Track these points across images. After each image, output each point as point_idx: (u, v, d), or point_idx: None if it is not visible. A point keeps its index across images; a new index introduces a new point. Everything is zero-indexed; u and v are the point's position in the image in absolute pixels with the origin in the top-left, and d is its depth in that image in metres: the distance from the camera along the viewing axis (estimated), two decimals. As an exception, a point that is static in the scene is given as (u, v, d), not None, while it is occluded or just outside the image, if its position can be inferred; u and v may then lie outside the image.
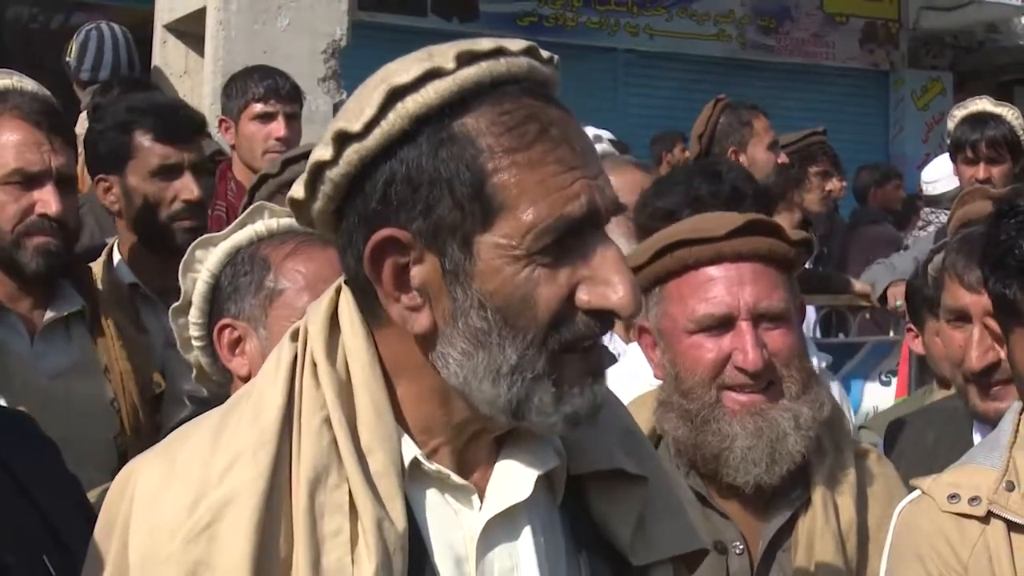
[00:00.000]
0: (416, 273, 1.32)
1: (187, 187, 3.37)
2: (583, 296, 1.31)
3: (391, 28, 9.53)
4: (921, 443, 2.91)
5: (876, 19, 11.95)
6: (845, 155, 9.73)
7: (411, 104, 1.29)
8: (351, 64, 5.88)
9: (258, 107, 4.42)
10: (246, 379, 2.11)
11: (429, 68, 1.30)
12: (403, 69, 1.31)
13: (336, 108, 5.45)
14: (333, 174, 1.33)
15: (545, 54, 1.38)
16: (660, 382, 2.34)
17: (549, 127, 1.31)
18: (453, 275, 1.30)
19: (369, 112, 1.30)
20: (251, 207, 2.23)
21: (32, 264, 2.86)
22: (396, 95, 1.30)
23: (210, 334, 2.17)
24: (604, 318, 1.33)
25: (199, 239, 2.23)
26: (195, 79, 5.92)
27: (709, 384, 2.20)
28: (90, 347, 2.96)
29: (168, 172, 3.37)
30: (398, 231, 1.31)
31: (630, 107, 10.55)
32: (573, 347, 1.32)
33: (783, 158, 5.23)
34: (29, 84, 3.09)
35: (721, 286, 2.21)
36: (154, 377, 3.06)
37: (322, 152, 1.33)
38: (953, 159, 5.05)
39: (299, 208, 1.39)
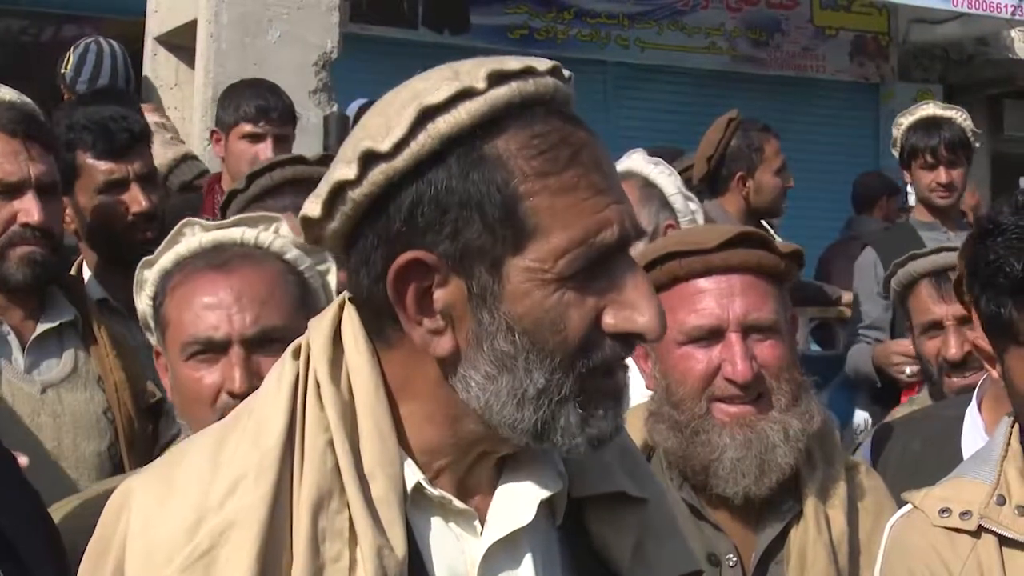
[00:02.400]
0: (440, 296, 1.29)
1: (135, 200, 3.37)
2: (609, 320, 1.30)
3: (382, 40, 9.52)
4: (908, 450, 2.92)
5: (866, 32, 11.96)
6: (835, 167, 9.76)
7: (443, 125, 1.26)
8: (342, 76, 5.88)
9: (247, 127, 4.41)
10: (179, 407, 2.13)
11: (460, 88, 1.27)
12: (433, 88, 1.28)
13: (327, 120, 5.45)
14: (356, 194, 1.29)
15: (566, 73, 1.36)
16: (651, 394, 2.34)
17: (580, 151, 1.30)
18: (480, 298, 1.28)
19: (399, 132, 1.26)
20: (179, 224, 2.19)
21: (18, 275, 2.83)
22: (427, 115, 1.27)
23: None
24: (629, 341, 1.32)
25: (143, 259, 2.21)
26: (186, 91, 5.93)
27: (699, 395, 2.21)
28: (83, 357, 2.94)
29: (114, 187, 3.37)
30: (424, 254, 1.27)
31: (621, 120, 10.54)
32: (599, 370, 1.31)
33: (790, 182, 5.19)
34: (7, 93, 3.05)
35: (711, 298, 2.22)
36: (148, 387, 3.04)
37: (345, 171, 1.29)
38: (907, 166, 5.04)
39: (311, 226, 1.35)
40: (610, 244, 1.29)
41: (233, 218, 2.21)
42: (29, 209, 2.83)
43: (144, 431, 2.96)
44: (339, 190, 1.30)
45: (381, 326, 1.34)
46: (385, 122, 1.29)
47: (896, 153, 5.10)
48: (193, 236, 2.16)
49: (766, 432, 2.18)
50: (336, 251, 1.37)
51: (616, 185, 1.33)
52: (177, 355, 2.08)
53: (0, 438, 2.46)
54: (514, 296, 1.27)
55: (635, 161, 3.41)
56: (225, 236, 2.15)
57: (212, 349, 2.04)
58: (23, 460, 2.44)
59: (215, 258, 2.12)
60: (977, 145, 5.07)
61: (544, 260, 1.27)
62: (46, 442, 2.73)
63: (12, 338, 2.87)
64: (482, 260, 1.27)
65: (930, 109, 5.03)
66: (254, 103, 4.43)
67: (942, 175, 4.90)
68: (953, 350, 3.10)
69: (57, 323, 2.92)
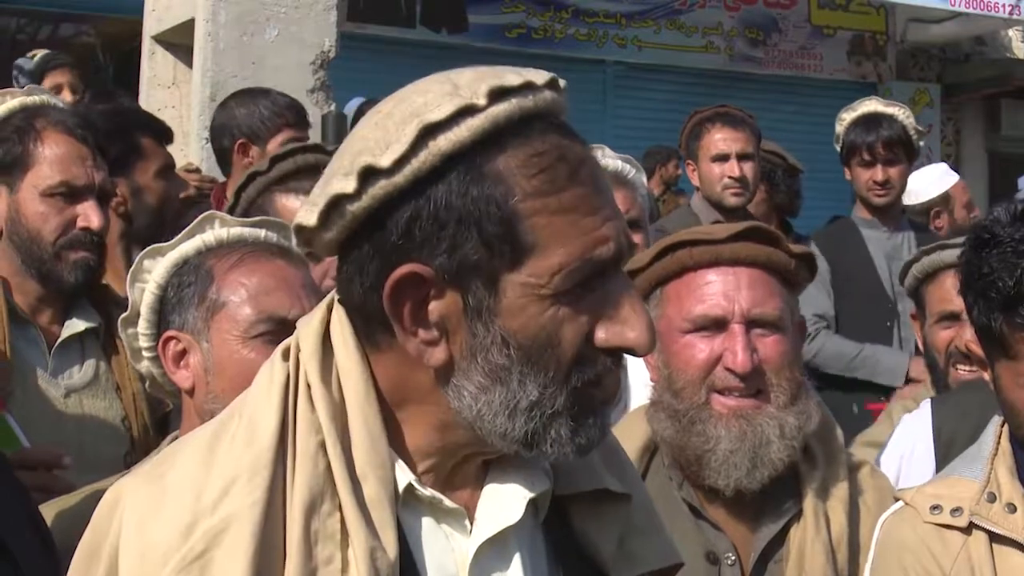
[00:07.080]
0: (435, 308, 1.29)
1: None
2: (601, 334, 1.31)
3: (380, 40, 9.54)
4: (984, 421, 2.92)
5: (863, 31, 12.00)
6: (833, 167, 9.78)
7: (444, 143, 1.26)
8: (340, 75, 5.89)
9: (289, 134, 4.21)
10: (190, 392, 2.10)
11: (462, 105, 1.27)
12: (434, 104, 1.28)
13: (325, 119, 5.45)
14: (355, 207, 1.28)
15: (562, 83, 1.37)
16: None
17: (579, 168, 1.30)
18: (476, 312, 1.28)
19: (399, 148, 1.26)
20: (201, 216, 2.19)
21: (71, 278, 2.87)
22: (429, 132, 1.26)
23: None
24: (618, 354, 1.33)
25: (147, 248, 2.20)
26: (183, 90, 5.93)
27: (699, 384, 2.22)
28: (104, 365, 2.95)
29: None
30: (421, 267, 1.27)
31: (618, 119, 10.56)
32: (591, 382, 1.32)
33: (735, 170, 4.96)
34: (60, 101, 3.08)
35: (718, 288, 2.25)
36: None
37: (344, 184, 1.28)
38: (846, 163, 5.02)
39: (304, 233, 1.35)
40: (606, 260, 1.30)
41: (251, 220, 2.21)
42: (90, 215, 2.87)
43: (158, 441, 2.97)
44: (337, 203, 1.30)
45: (371, 331, 1.35)
46: (384, 136, 1.28)
47: (837, 149, 5.08)
48: (221, 228, 2.16)
49: (761, 427, 2.19)
50: (326, 255, 1.37)
51: (611, 200, 1.33)
52: (234, 336, 2.05)
53: (28, 438, 2.48)
54: (510, 311, 1.28)
55: (606, 158, 3.44)
56: (250, 233, 2.16)
57: (287, 329, 2.02)
58: (67, 460, 2.45)
59: (264, 247, 2.12)
60: (921, 144, 5.03)
61: (540, 276, 1.27)
62: (68, 446, 2.74)
63: (40, 340, 2.89)
64: (479, 275, 1.28)
65: (872, 105, 5.00)
66: (292, 111, 4.24)
67: (879, 173, 4.88)
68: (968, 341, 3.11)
69: (83, 328, 2.93)
